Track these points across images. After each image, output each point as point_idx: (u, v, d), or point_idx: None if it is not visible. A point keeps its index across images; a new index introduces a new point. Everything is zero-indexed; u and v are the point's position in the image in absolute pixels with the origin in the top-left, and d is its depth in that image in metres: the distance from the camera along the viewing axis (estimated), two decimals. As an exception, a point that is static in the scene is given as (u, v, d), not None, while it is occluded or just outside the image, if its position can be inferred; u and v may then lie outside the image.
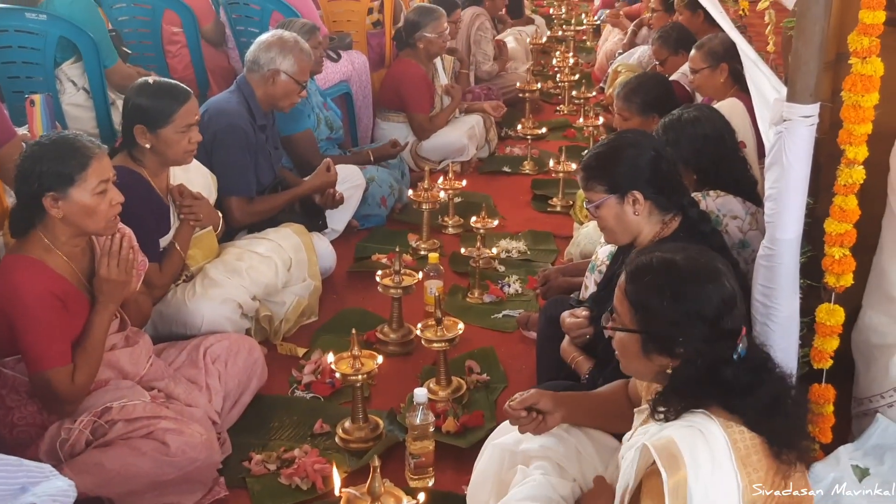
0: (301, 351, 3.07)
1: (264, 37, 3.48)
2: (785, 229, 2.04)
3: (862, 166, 1.93)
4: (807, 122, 1.96)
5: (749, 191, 2.69)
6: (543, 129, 5.15)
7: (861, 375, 2.34)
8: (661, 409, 1.62)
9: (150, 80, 2.82)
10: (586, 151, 2.43)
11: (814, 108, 1.97)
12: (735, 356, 1.61)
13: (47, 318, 2.18)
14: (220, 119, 3.30)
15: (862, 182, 1.99)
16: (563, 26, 8.00)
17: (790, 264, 2.06)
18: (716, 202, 2.59)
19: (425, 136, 4.86)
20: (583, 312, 2.43)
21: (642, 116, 3.37)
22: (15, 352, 2.23)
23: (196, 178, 3.02)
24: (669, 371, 1.64)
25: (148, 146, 2.72)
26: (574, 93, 5.80)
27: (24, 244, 2.25)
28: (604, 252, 2.75)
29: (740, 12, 3.13)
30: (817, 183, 2.20)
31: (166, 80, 2.90)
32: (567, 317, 2.46)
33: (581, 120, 5.28)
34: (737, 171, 2.70)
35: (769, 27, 2.73)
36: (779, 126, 2.01)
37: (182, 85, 2.83)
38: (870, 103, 1.86)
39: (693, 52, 3.58)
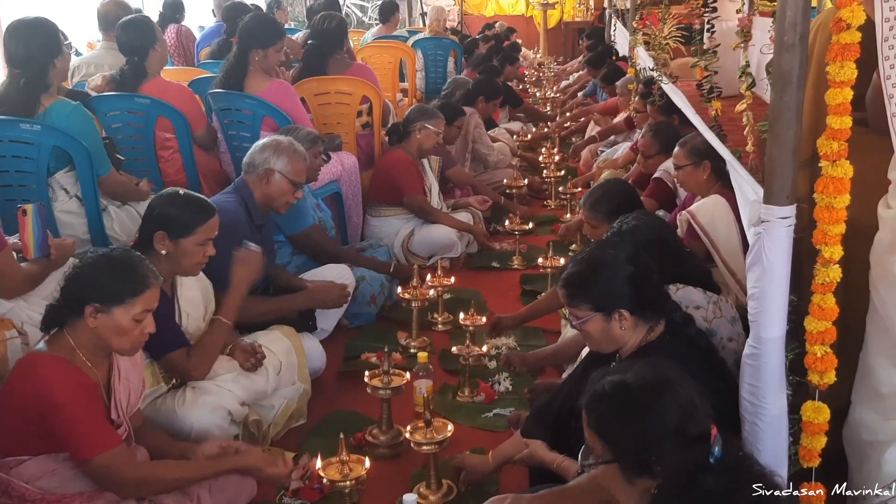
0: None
1: (260, 141, 3.60)
2: (769, 328, 2.06)
3: (839, 265, 1.96)
4: (784, 223, 2.01)
5: (705, 281, 2.74)
6: (531, 225, 5.21)
7: (854, 472, 2.32)
8: None
9: (181, 191, 2.92)
10: (567, 264, 2.45)
11: (790, 210, 2.02)
12: (711, 459, 1.61)
13: (86, 407, 2.22)
14: (220, 217, 3.35)
15: (842, 279, 2.02)
16: (549, 123, 8.20)
17: (776, 363, 2.07)
18: (677, 294, 2.62)
19: (429, 218, 4.94)
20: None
21: (609, 223, 3.46)
22: (24, 451, 2.22)
23: (193, 282, 3.04)
24: (654, 491, 1.63)
25: (164, 252, 2.77)
26: (560, 188, 5.90)
27: (51, 344, 2.29)
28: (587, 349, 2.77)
29: (713, 113, 3.23)
30: (800, 279, 2.23)
31: (196, 194, 3.00)
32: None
33: (568, 215, 5.34)
34: (686, 266, 2.76)
35: (747, 128, 2.81)
36: (757, 227, 2.06)
37: (209, 201, 2.94)
38: (842, 204, 1.91)
39: (676, 148, 3.68)
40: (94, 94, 4.29)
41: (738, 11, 2.91)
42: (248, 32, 4.39)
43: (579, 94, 9.25)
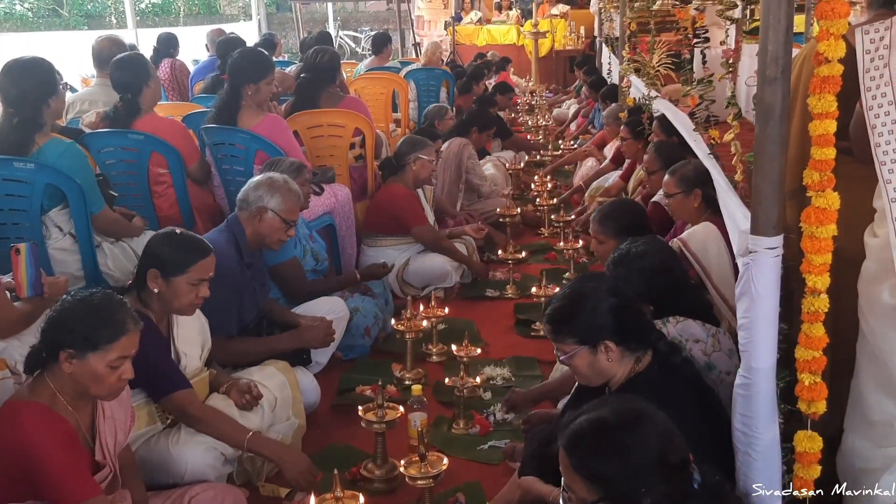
0: (284, 492, 3.01)
1: (255, 178, 3.62)
2: (759, 358, 2.07)
3: (826, 294, 1.97)
4: (771, 253, 2.04)
5: (706, 313, 2.75)
6: (524, 254, 5.23)
7: (848, 501, 2.32)
8: None
9: (178, 230, 2.93)
10: (550, 301, 2.46)
11: (777, 241, 2.04)
12: (695, 484, 1.61)
13: (66, 457, 2.17)
14: None
15: (832, 307, 2.04)
16: (541, 151, 8.25)
17: (767, 392, 2.08)
18: (676, 328, 2.63)
19: (439, 246, 4.97)
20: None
21: (616, 240, 3.47)
22: (10, 497, 2.18)
23: (190, 321, 3.03)
24: None
25: (156, 290, 2.77)
26: (553, 216, 5.92)
27: (32, 389, 2.26)
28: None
29: (711, 141, 3.26)
30: (790, 308, 2.24)
31: (193, 234, 3.01)
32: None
33: (561, 243, 5.36)
34: (689, 297, 2.77)
35: (735, 157, 2.84)
36: (745, 258, 2.08)
37: (206, 242, 2.93)
38: (827, 234, 1.92)
39: (667, 177, 3.71)
40: (87, 130, 4.32)
41: (721, 43, 2.94)
42: (239, 68, 4.43)
43: (572, 125, 9.30)
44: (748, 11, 2.75)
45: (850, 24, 1.94)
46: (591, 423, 1.68)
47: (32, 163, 3.37)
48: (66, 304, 2.27)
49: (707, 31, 3.29)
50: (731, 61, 2.72)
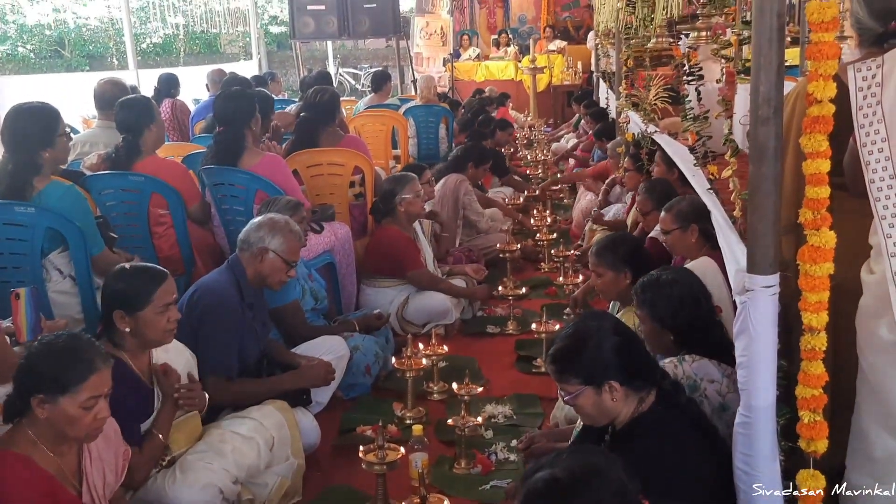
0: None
1: (257, 219, 3.64)
2: (758, 396, 2.07)
3: (825, 332, 1.97)
4: (768, 291, 2.04)
5: (726, 353, 2.73)
6: (524, 289, 5.23)
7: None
8: None
9: (127, 265, 2.91)
10: (553, 340, 2.46)
11: (774, 279, 2.05)
12: None
13: None
14: (208, 298, 3.38)
15: (832, 343, 2.04)
16: (540, 185, 8.27)
17: (767, 431, 2.08)
18: (692, 367, 2.62)
19: (434, 287, 4.96)
20: None
21: (614, 272, 3.50)
22: None
23: (176, 358, 3.03)
24: None
25: (127, 330, 2.76)
26: (553, 251, 5.93)
27: (12, 438, 2.23)
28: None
29: (710, 176, 3.27)
30: (790, 344, 2.24)
31: (142, 263, 3.00)
32: None
33: (561, 278, 5.36)
34: (713, 334, 2.75)
35: (734, 193, 2.85)
36: (742, 296, 2.08)
37: (158, 266, 2.92)
38: (823, 272, 1.93)
39: (663, 213, 3.72)
40: (88, 172, 4.35)
41: (717, 81, 2.97)
42: (228, 114, 4.48)
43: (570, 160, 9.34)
44: (741, 50, 2.78)
45: (841, 60, 1.97)
46: (544, 482, 1.66)
47: (33, 207, 3.39)
48: (34, 349, 2.25)
49: (701, 69, 3.32)
50: (726, 99, 2.74)
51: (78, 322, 3.52)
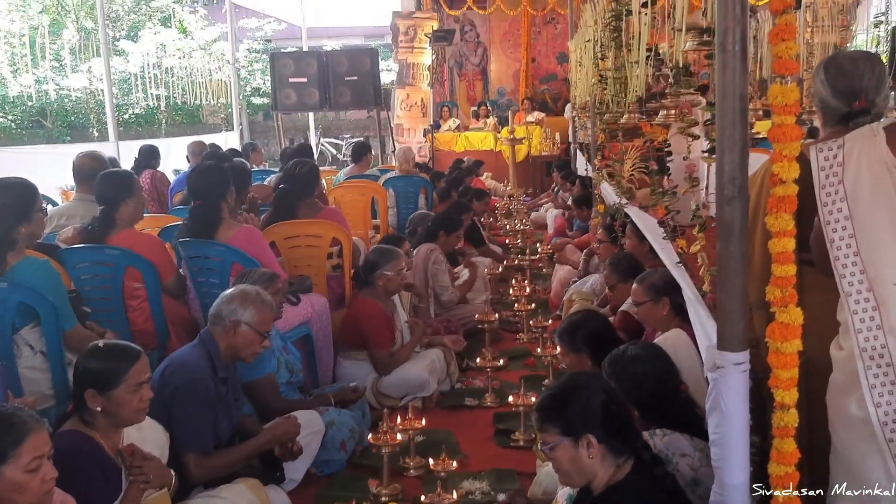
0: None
1: (227, 291, 3.62)
2: (732, 474, 2.06)
3: (795, 409, 1.98)
4: (739, 368, 2.05)
5: (695, 427, 2.73)
6: (502, 361, 5.21)
7: None
8: None
9: (101, 343, 2.89)
10: (542, 390, 2.49)
11: (744, 356, 2.06)
12: None
13: None
14: (180, 374, 3.34)
15: (805, 418, 2.04)
16: (520, 255, 8.32)
17: (742, 509, 2.06)
18: (663, 441, 2.62)
19: (387, 372, 4.90)
20: None
21: (575, 354, 3.53)
22: None
23: (150, 435, 2.99)
24: None
25: (99, 409, 2.72)
26: (531, 321, 5.92)
27: None
28: (563, 495, 2.73)
29: (679, 250, 3.31)
30: (763, 420, 2.24)
31: (116, 341, 2.99)
32: None
33: (539, 349, 5.35)
34: (678, 409, 2.77)
35: (702, 269, 2.88)
36: (713, 373, 2.09)
37: (132, 345, 2.90)
38: (792, 349, 1.95)
39: (635, 285, 3.75)
40: (63, 246, 4.33)
41: (685, 158, 3.03)
42: (203, 188, 4.51)
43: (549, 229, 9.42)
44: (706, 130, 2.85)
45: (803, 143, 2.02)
46: None
47: (5, 282, 3.37)
48: None
49: (670, 146, 3.39)
50: (693, 175, 2.80)
51: (48, 398, 3.47)
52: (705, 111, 2.45)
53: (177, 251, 4.65)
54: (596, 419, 2.31)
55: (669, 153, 3.31)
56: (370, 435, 3.95)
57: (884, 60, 9.27)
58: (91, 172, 4.89)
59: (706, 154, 2.28)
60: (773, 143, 1.94)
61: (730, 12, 1.92)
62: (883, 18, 7.42)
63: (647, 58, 3.40)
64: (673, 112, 3.55)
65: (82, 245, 4.33)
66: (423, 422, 4.14)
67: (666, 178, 3.36)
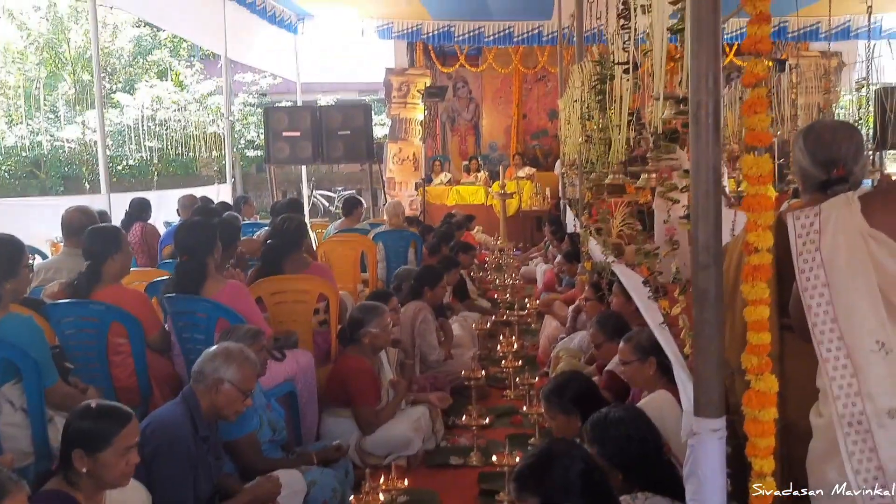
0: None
1: (211, 349, 3.61)
2: (710, 543, 2.04)
3: (772, 478, 1.98)
4: (715, 435, 2.05)
5: (677, 489, 2.72)
6: (488, 419, 5.18)
7: None
8: None
9: (93, 403, 2.87)
10: (518, 460, 2.47)
11: (720, 422, 2.06)
12: None
13: None
14: (161, 433, 3.31)
15: (783, 488, 2.03)
16: (508, 310, 8.31)
17: (721, 579, 2.04)
18: None
19: (370, 431, 4.86)
20: None
21: (564, 415, 3.52)
22: None
23: (132, 495, 2.96)
24: None
25: (85, 470, 2.70)
26: (518, 378, 5.90)
27: None
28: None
29: (662, 311, 3.32)
30: (743, 486, 2.23)
31: (108, 402, 2.96)
32: None
33: (525, 407, 5.32)
34: (660, 472, 2.76)
35: (684, 331, 2.89)
36: (691, 440, 2.09)
37: (124, 407, 2.89)
38: (769, 417, 1.95)
39: (622, 344, 3.76)
40: (48, 301, 4.32)
41: (665, 221, 3.07)
42: (190, 244, 4.53)
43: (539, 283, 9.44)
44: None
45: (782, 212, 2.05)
46: None
47: (-15, 340, 3.36)
48: None
49: (651, 208, 3.44)
50: (673, 238, 2.83)
51: (27, 456, 3.43)
52: (681, 178, 2.49)
53: (162, 306, 4.64)
54: (575, 489, 2.28)
55: (651, 214, 3.35)
56: (352, 496, 3.90)
57: (870, 122, 9.42)
58: (80, 226, 4.91)
59: (683, 220, 2.31)
60: (746, 213, 1.97)
61: (702, 86, 1.97)
62: (864, 83, 7.58)
63: (629, 122, 3.46)
64: (654, 175, 3.61)
65: (67, 300, 4.32)
66: (406, 482, 4.09)
67: (650, 238, 3.40)
